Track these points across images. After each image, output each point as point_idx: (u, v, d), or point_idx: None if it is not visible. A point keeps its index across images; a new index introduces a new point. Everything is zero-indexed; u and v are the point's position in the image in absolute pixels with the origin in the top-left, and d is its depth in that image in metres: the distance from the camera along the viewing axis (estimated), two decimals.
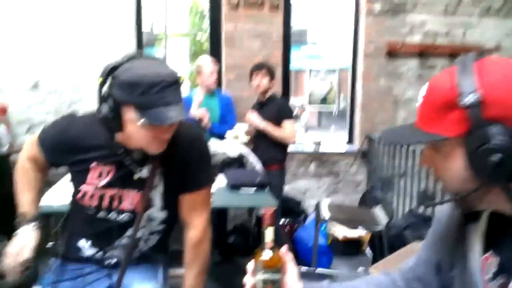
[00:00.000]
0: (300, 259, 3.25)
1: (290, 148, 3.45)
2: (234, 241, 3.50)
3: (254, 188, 2.58)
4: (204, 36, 9.69)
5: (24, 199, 1.50)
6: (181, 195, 1.47)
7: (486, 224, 0.84)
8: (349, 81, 4.56)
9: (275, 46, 4.08)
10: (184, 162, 1.43)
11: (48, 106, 3.79)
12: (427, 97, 0.77)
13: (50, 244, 1.88)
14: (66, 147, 1.42)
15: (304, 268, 2.94)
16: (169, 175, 1.43)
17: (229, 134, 3.17)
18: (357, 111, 4.45)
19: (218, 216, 3.35)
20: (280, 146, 3.23)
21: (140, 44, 3.99)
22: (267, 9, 4.01)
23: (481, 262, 0.82)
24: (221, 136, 3.18)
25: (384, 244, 2.63)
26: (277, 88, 3.74)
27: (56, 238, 1.54)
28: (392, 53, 4.30)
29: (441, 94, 0.73)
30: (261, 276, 0.96)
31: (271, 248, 0.99)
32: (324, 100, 4.14)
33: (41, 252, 1.47)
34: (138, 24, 3.94)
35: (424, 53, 4.34)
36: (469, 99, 0.68)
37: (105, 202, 1.42)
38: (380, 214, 2.78)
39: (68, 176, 1.51)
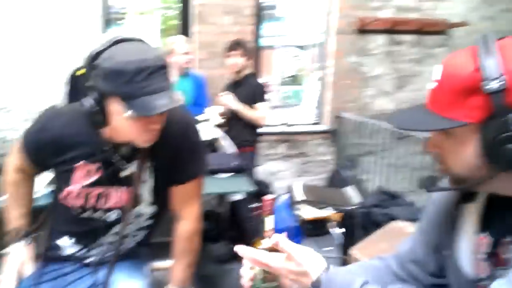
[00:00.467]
0: None
1: (259, 130, 3.39)
2: (204, 228, 3.45)
3: (229, 173, 2.54)
4: (173, 13, 9.29)
5: (15, 215, 1.44)
6: (172, 187, 1.40)
7: (484, 205, 0.83)
8: (320, 58, 4.53)
9: (247, 21, 3.94)
10: (176, 152, 1.34)
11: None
12: (445, 80, 0.73)
13: None
14: (50, 147, 1.31)
15: None
16: (160, 168, 1.35)
17: (202, 116, 3.09)
18: (326, 90, 4.44)
19: None
20: (253, 128, 3.19)
21: (107, 22, 3.76)
22: None
23: (475, 242, 0.82)
24: None
25: (355, 223, 2.68)
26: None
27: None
28: (363, 29, 4.27)
29: (463, 78, 0.69)
30: None
31: (271, 237, 0.98)
32: (294, 79, 4.10)
33: None
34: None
35: (393, 29, 4.35)
36: (493, 84, 0.65)
37: (91, 201, 1.34)
38: (352, 194, 2.81)
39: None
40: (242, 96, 3.12)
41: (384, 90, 4.49)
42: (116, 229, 1.38)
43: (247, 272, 0.99)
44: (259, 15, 4.08)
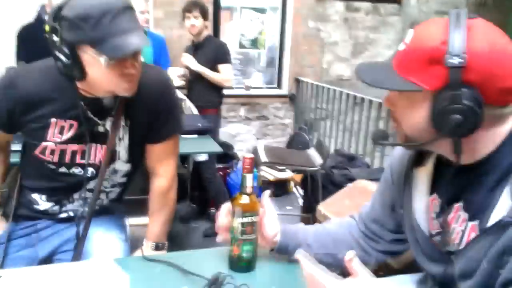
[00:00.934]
0: None
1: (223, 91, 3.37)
2: None
3: (194, 135, 2.53)
4: None
5: None
6: (149, 145, 1.39)
7: (433, 168, 0.91)
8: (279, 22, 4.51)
9: None
10: (154, 111, 1.33)
11: None
12: (414, 46, 0.77)
13: None
14: (22, 104, 1.24)
15: None
16: (136, 126, 1.33)
17: None
18: (286, 54, 4.46)
19: None
20: (216, 90, 3.15)
21: None
22: None
23: (428, 202, 0.91)
24: None
25: (317, 183, 2.78)
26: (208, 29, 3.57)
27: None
28: None
29: (430, 48, 0.73)
30: (240, 219, 1.07)
31: (250, 193, 1.07)
32: (254, 42, 4.02)
33: None
34: None
35: None
36: (455, 60, 0.70)
37: (67, 158, 1.30)
38: (314, 156, 2.90)
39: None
40: (203, 58, 3.06)
41: (342, 56, 4.58)
42: (90, 185, 1.36)
43: (222, 222, 1.11)
44: None
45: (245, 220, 1.07)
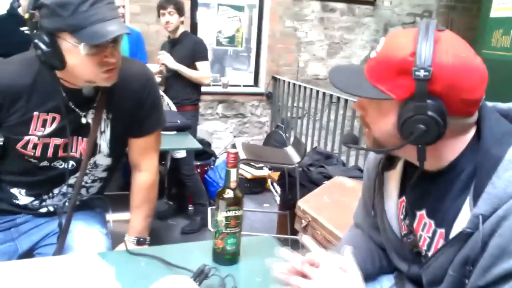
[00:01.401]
0: (212, 199, 3.34)
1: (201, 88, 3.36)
2: None
3: (173, 131, 2.52)
4: None
5: None
6: (131, 139, 1.39)
7: (402, 172, 0.95)
8: (256, 20, 4.54)
9: None
10: (137, 106, 1.33)
11: None
12: (385, 55, 0.80)
13: None
14: (1, 99, 1.22)
15: None
16: (119, 120, 1.33)
17: None
18: (263, 52, 4.49)
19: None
20: (194, 87, 3.13)
21: None
22: None
23: (397, 205, 0.95)
24: None
25: (295, 180, 2.81)
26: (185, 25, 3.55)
27: None
28: None
29: (399, 59, 0.76)
30: (224, 213, 1.09)
31: (234, 188, 1.09)
32: (231, 40, 4.02)
33: None
34: None
35: None
36: (421, 73, 0.73)
37: (50, 152, 1.29)
38: (292, 153, 2.94)
39: None
40: (180, 54, 3.04)
41: (318, 55, 4.65)
42: (71, 180, 1.35)
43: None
44: None
45: (229, 214, 1.09)
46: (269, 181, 3.97)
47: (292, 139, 3.84)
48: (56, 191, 1.37)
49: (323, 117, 3.73)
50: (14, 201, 1.38)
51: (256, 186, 3.97)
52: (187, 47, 3.05)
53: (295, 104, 4.15)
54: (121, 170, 2.79)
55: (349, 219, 1.21)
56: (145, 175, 1.44)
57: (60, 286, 0.99)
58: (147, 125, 1.38)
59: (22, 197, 1.37)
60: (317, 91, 3.80)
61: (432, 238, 0.87)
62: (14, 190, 1.37)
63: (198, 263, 1.06)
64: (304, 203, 2.16)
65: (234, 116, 4.47)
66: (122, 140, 1.39)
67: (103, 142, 1.34)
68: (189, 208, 3.39)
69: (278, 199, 3.53)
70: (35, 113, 1.24)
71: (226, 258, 1.13)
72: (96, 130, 1.31)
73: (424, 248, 0.89)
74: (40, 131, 1.26)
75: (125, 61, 1.34)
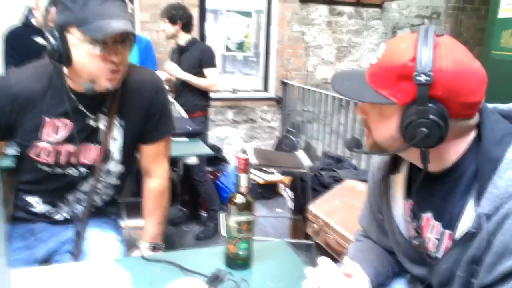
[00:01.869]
0: (224, 204, 3.35)
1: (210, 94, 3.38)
2: None
3: (184, 138, 2.55)
4: None
5: None
6: (142, 146, 1.41)
7: (407, 175, 0.96)
8: (264, 25, 4.57)
9: None
10: (148, 112, 1.36)
11: None
12: (385, 61, 0.81)
13: None
14: (15, 104, 1.26)
15: None
16: (130, 127, 1.35)
17: None
18: (272, 57, 4.51)
19: None
20: (203, 93, 3.16)
21: None
22: None
23: (404, 207, 0.96)
24: None
25: (307, 185, 2.82)
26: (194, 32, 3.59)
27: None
28: None
29: (400, 65, 0.78)
30: (236, 218, 1.09)
31: (245, 193, 1.09)
32: (240, 46, 4.06)
33: None
34: None
35: (334, 0, 4.49)
36: (422, 78, 0.74)
37: (63, 158, 1.31)
38: (303, 158, 2.95)
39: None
40: (188, 62, 3.08)
41: (326, 59, 4.66)
42: (84, 187, 1.38)
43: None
44: None
45: (241, 218, 1.10)
46: (281, 186, 3.98)
47: (302, 143, 3.85)
48: (70, 197, 1.40)
49: (333, 121, 3.74)
50: (31, 209, 1.41)
51: (268, 191, 3.98)
52: (195, 54, 3.08)
53: (305, 109, 4.16)
54: (134, 176, 2.84)
55: None
56: (156, 181, 1.46)
57: None
58: (158, 131, 1.40)
59: (38, 205, 1.40)
60: (327, 95, 3.81)
61: (440, 240, 0.88)
62: (30, 199, 1.40)
63: (212, 268, 1.08)
64: (315, 207, 2.17)
65: (244, 121, 4.49)
66: (133, 146, 1.41)
67: (115, 149, 1.36)
68: (202, 214, 3.41)
69: (290, 203, 3.53)
70: (46, 118, 1.28)
71: (239, 263, 1.14)
72: (108, 136, 1.33)
73: (433, 250, 0.90)
74: (51, 137, 1.29)
75: (135, 68, 1.37)
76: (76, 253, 1.34)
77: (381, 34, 4.81)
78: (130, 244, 1.47)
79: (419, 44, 0.76)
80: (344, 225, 1.95)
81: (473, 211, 0.79)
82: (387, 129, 0.84)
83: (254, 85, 4.68)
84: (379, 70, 0.82)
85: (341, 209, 2.13)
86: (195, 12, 3.81)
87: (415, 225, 0.92)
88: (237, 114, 4.44)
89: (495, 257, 0.74)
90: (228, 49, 4.43)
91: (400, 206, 0.97)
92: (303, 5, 4.41)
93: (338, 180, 2.77)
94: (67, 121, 1.29)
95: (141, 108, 1.34)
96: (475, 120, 0.83)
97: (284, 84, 4.47)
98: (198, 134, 2.68)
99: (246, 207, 1.10)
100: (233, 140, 4.48)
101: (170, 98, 3.03)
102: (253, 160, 2.79)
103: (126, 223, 1.63)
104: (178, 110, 2.95)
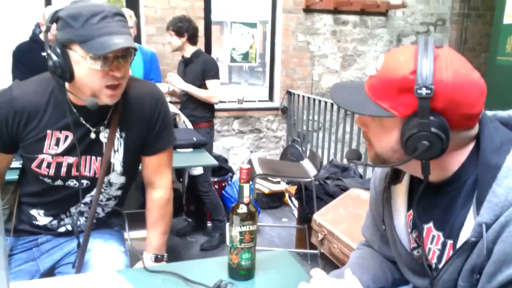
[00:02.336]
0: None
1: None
2: None
3: (189, 149, 2.56)
4: None
5: None
6: (144, 157, 1.43)
7: (408, 186, 0.96)
8: (269, 36, 4.60)
9: None
10: (149, 124, 1.37)
11: None
12: (385, 73, 0.81)
13: None
14: (18, 117, 1.27)
15: None
16: (131, 139, 1.37)
17: None
18: (277, 67, 4.53)
19: None
20: (207, 104, 3.18)
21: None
22: None
23: (406, 218, 0.96)
24: None
25: (312, 194, 2.80)
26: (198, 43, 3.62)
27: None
28: (308, 8, 4.39)
29: (400, 78, 0.77)
30: (239, 228, 1.10)
31: (247, 203, 1.10)
32: (245, 56, 4.10)
33: None
34: None
35: (337, 9, 4.51)
36: (423, 91, 0.74)
37: (63, 170, 1.32)
38: (308, 167, 2.94)
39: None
40: (192, 73, 3.10)
41: (331, 68, 4.67)
42: (86, 199, 1.39)
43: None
44: None
45: (244, 228, 1.10)
46: (286, 195, 3.97)
47: (308, 152, 3.84)
48: (73, 210, 1.40)
49: (338, 130, 3.73)
50: (34, 222, 1.42)
51: (274, 201, 3.97)
52: (198, 66, 3.11)
53: (310, 118, 4.16)
54: (139, 188, 2.85)
55: None
56: (159, 192, 1.46)
57: None
58: (159, 143, 1.41)
59: (41, 218, 1.41)
60: (332, 104, 3.80)
61: (442, 251, 0.87)
62: (34, 211, 1.41)
63: (215, 278, 1.08)
64: (320, 216, 2.15)
65: (250, 131, 4.50)
66: (135, 158, 1.42)
67: (117, 160, 1.37)
68: (208, 224, 3.41)
69: (296, 213, 3.52)
70: (48, 131, 1.29)
71: (242, 273, 1.13)
72: (110, 149, 1.34)
73: (434, 261, 0.89)
74: (53, 150, 1.30)
75: (136, 81, 1.39)
76: (79, 265, 1.34)
77: (386, 42, 4.81)
78: (134, 255, 1.47)
79: (419, 56, 0.76)
80: (348, 234, 1.93)
81: (473, 219, 0.78)
82: (388, 141, 0.83)
83: (260, 95, 4.69)
84: (379, 82, 0.81)
85: (345, 218, 2.11)
86: (200, 24, 3.85)
87: (416, 236, 0.92)
88: (243, 124, 4.45)
89: (495, 265, 0.73)
90: (233, 60, 4.46)
91: (402, 216, 0.96)
92: (308, 15, 4.44)
93: (343, 189, 2.75)
94: (69, 133, 1.30)
95: (141, 120, 1.36)
96: (475, 130, 0.82)
97: (289, 93, 4.48)
98: (203, 145, 2.69)
99: (249, 217, 1.10)
100: (239, 150, 4.49)
101: (176, 109, 3.06)
102: (258, 170, 2.78)
103: (130, 234, 1.62)
104: (183, 121, 2.97)
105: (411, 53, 0.78)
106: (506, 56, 3.40)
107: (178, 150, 2.48)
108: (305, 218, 2.87)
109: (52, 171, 1.32)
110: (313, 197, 2.75)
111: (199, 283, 1.08)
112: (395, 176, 0.98)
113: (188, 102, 3.16)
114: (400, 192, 0.97)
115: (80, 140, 1.30)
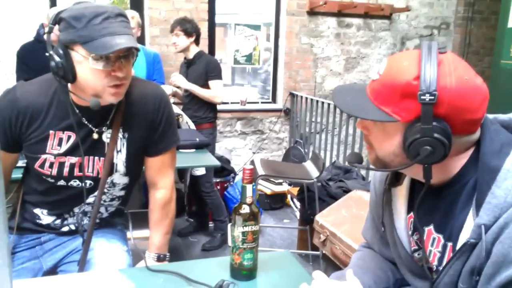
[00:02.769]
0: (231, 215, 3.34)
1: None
2: None
3: (192, 149, 2.57)
4: None
5: None
6: (147, 158, 1.43)
7: (409, 187, 0.96)
8: (272, 38, 4.60)
9: None
10: (152, 125, 1.37)
11: None
12: (388, 78, 0.80)
13: None
14: (22, 118, 1.28)
15: None
16: (133, 139, 1.37)
17: None
18: (280, 69, 4.53)
19: None
20: (210, 105, 3.19)
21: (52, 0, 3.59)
22: None
23: (406, 221, 0.96)
24: None
25: (315, 195, 2.80)
26: (202, 45, 3.63)
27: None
28: (312, 11, 4.40)
29: (404, 83, 0.77)
30: (241, 228, 1.10)
31: (250, 203, 1.10)
32: (249, 58, 4.11)
33: None
34: None
35: (341, 12, 4.51)
36: (427, 97, 0.74)
37: (66, 170, 1.33)
38: (311, 168, 2.94)
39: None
40: (195, 74, 3.11)
41: (334, 71, 4.67)
42: (90, 199, 1.39)
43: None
44: None
45: (246, 229, 1.10)
46: (288, 196, 3.97)
47: (310, 154, 3.84)
48: (76, 210, 1.41)
49: (341, 132, 3.73)
50: (37, 220, 1.42)
51: (276, 202, 3.97)
52: (201, 67, 3.11)
53: (313, 119, 4.16)
54: (142, 188, 2.85)
55: None
56: (162, 192, 1.47)
57: None
58: (162, 144, 1.42)
59: (44, 217, 1.42)
60: (335, 106, 3.79)
61: (442, 253, 0.87)
62: (37, 210, 1.41)
63: (217, 278, 1.08)
64: (322, 218, 2.15)
65: (252, 132, 4.50)
66: (138, 159, 1.42)
67: (120, 161, 1.37)
68: (210, 225, 3.41)
69: (298, 214, 3.52)
70: (51, 131, 1.29)
71: (244, 273, 1.14)
72: (112, 149, 1.34)
73: (435, 263, 0.89)
74: (56, 150, 1.31)
75: (139, 82, 1.39)
76: (81, 263, 1.35)
77: (389, 45, 4.81)
78: (137, 255, 1.48)
79: (422, 62, 0.76)
80: (350, 235, 1.93)
81: (473, 221, 0.79)
82: (389, 145, 0.83)
83: (262, 96, 4.69)
84: (382, 87, 0.81)
85: (347, 219, 2.11)
86: (204, 26, 3.86)
87: (416, 238, 0.92)
88: (246, 126, 4.46)
89: (494, 267, 0.73)
90: (236, 62, 4.47)
91: (402, 218, 0.96)
92: (311, 18, 4.44)
93: (346, 191, 2.75)
94: (71, 134, 1.30)
95: (144, 120, 1.36)
96: (477, 134, 0.82)
97: (292, 95, 4.48)
98: (206, 146, 2.69)
99: (252, 217, 1.11)
100: (241, 151, 4.49)
101: (179, 110, 3.06)
102: (260, 171, 2.78)
103: (133, 233, 1.63)
104: (186, 121, 2.97)
105: (415, 58, 0.78)
106: (510, 60, 3.39)
107: (181, 150, 2.49)
108: (307, 219, 2.87)
109: (54, 171, 1.32)
110: (315, 198, 2.75)
111: (201, 282, 1.08)
112: (395, 179, 0.98)
113: (191, 103, 3.17)
114: (401, 194, 0.97)
115: (83, 140, 1.31)
